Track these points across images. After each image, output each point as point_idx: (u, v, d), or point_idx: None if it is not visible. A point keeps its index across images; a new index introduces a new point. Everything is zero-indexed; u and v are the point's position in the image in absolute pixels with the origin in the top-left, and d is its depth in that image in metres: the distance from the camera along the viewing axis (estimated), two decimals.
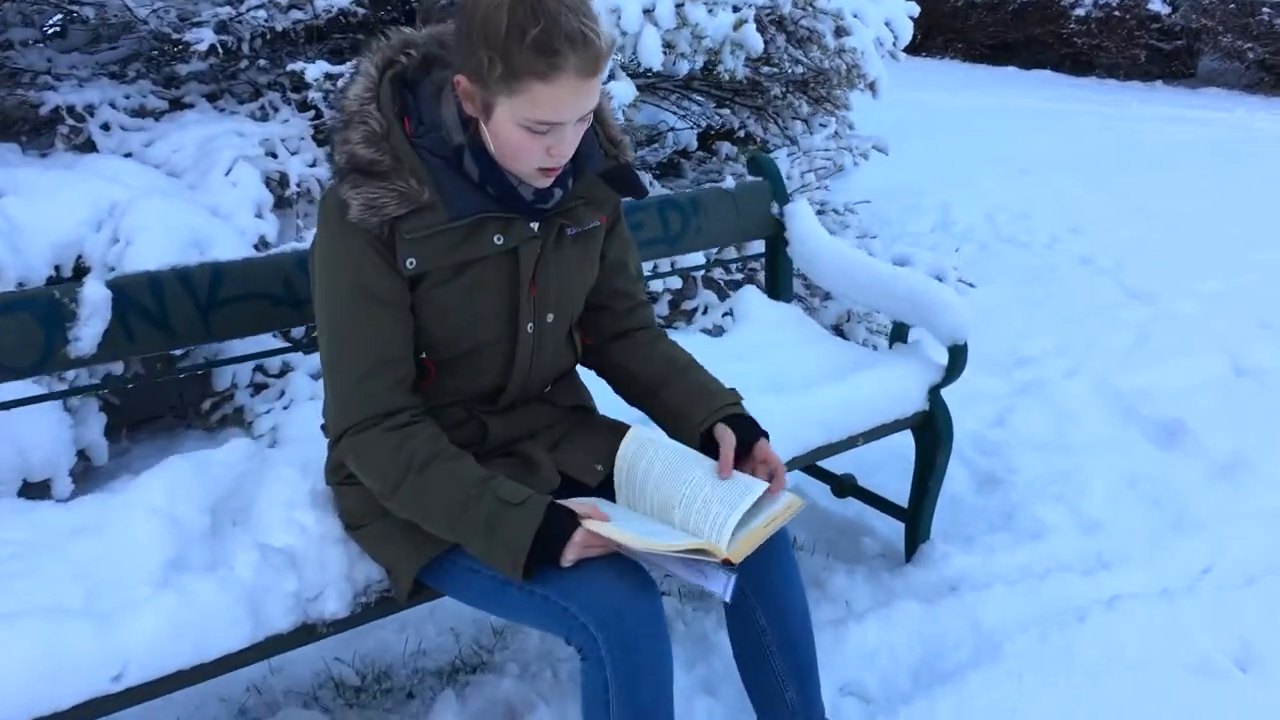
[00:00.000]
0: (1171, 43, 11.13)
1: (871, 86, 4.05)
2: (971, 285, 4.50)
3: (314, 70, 2.98)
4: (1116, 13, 11.02)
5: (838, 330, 4.02)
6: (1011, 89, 10.77)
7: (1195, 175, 7.06)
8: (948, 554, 2.69)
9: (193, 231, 2.81)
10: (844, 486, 2.88)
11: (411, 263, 1.61)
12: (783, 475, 1.75)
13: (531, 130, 1.53)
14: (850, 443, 2.45)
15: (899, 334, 2.69)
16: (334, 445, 1.72)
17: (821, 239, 2.75)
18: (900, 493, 2.78)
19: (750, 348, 2.63)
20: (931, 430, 2.60)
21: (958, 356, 2.53)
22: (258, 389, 3.16)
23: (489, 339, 1.73)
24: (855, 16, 4.06)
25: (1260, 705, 2.19)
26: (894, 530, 2.83)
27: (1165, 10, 10.78)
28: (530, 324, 1.74)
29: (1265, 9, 10.29)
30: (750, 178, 2.84)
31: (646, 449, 1.74)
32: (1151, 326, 4.35)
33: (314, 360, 3.08)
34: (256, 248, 2.99)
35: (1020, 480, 3.06)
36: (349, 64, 2.84)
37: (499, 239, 1.66)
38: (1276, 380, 3.84)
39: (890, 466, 2.99)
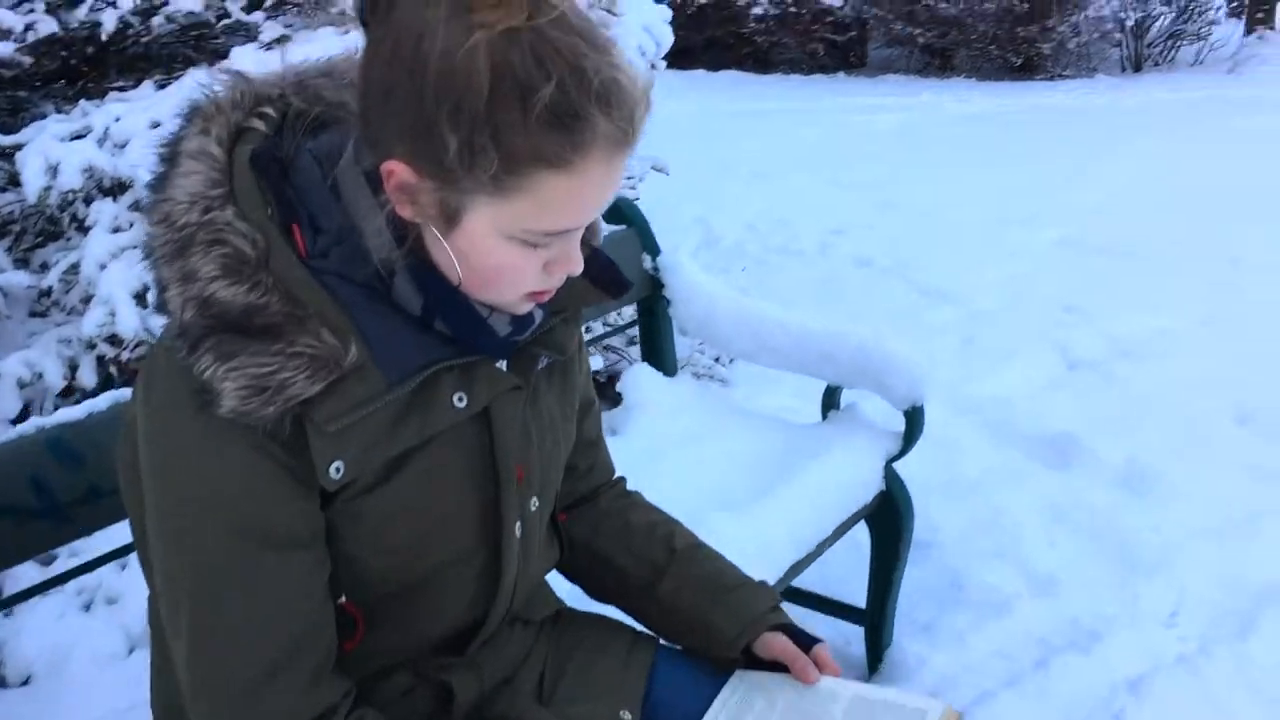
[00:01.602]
0: (845, 35, 11.46)
1: None
2: None
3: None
4: (792, 9, 11.20)
5: None
6: (706, 92, 10.68)
7: (912, 162, 7.12)
8: (916, 654, 2.23)
9: None
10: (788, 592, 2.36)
11: (339, 469, 0.94)
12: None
13: (528, 244, 0.92)
14: (818, 552, 1.94)
15: (831, 399, 2.20)
16: None
17: (715, 295, 2.22)
18: (843, 589, 2.30)
19: (662, 448, 2.05)
20: (891, 513, 2.12)
21: (915, 421, 2.07)
22: None
23: (454, 557, 1.07)
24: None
25: None
26: (842, 634, 2.34)
27: (837, 3, 11.06)
28: (518, 521, 1.10)
29: None
30: (611, 227, 2.27)
31: (756, 695, 1.17)
32: (967, 328, 4.16)
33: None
34: None
35: (946, 539, 2.65)
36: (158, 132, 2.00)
37: (460, 400, 1.02)
38: (1109, 369, 3.71)
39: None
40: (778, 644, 1.21)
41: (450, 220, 0.90)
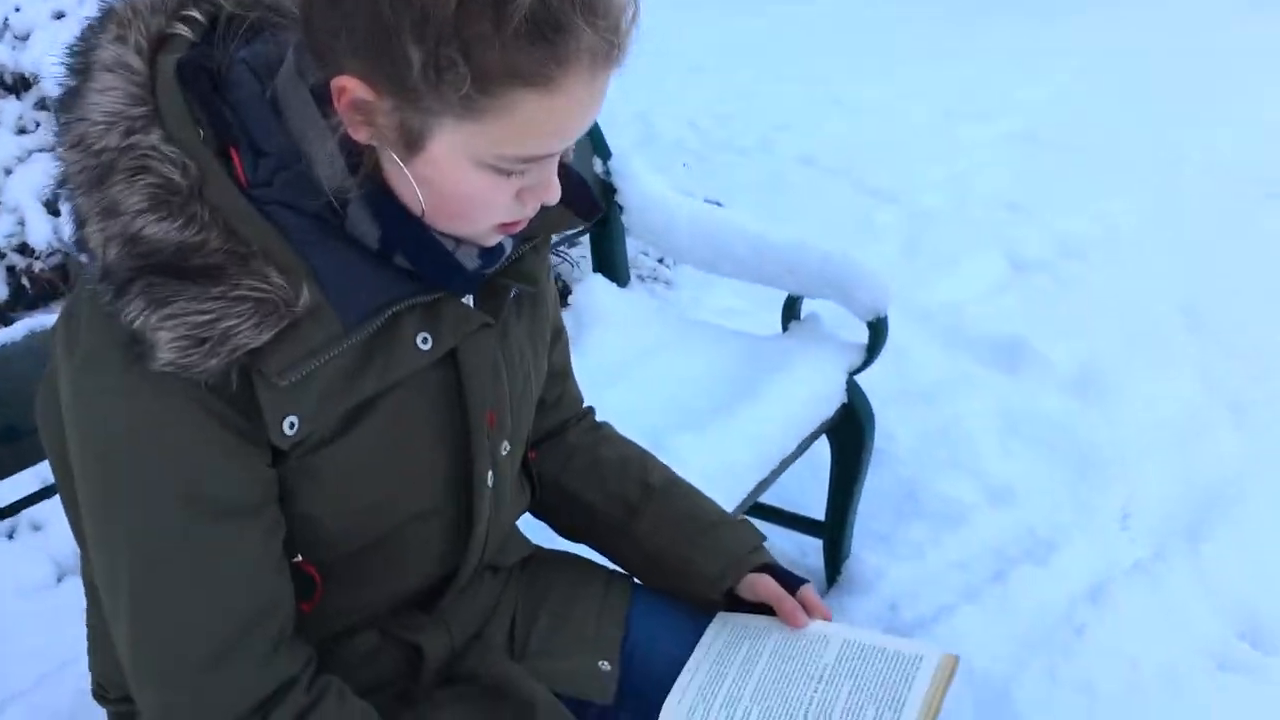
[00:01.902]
0: None
1: None
2: (719, 204, 4.02)
3: None
4: None
5: None
6: None
7: (861, 54, 6.96)
8: (874, 567, 2.21)
9: None
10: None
11: (293, 424, 0.84)
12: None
13: (501, 170, 0.81)
14: (781, 469, 1.89)
15: (791, 310, 2.12)
16: None
17: (671, 203, 2.11)
18: (801, 501, 2.26)
19: (620, 364, 1.97)
20: (852, 426, 2.07)
21: (879, 332, 2.01)
22: None
23: (421, 511, 0.98)
24: None
25: None
26: (799, 547, 2.31)
27: None
28: (490, 471, 1.01)
29: None
30: None
31: (742, 639, 1.12)
32: (912, 229, 4.08)
33: None
34: None
35: (901, 449, 2.61)
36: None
37: (424, 342, 0.92)
38: (1057, 270, 3.68)
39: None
40: (763, 585, 1.15)
41: (412, 144, 0.79)
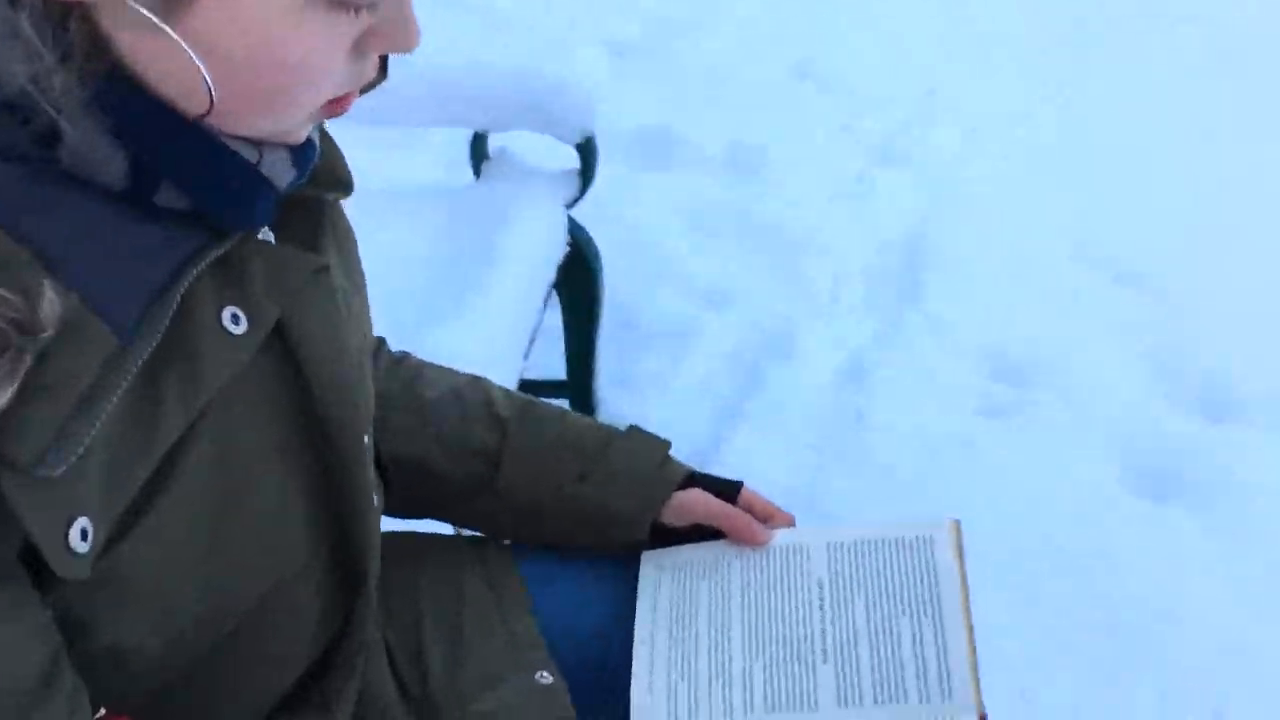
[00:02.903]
0: None
1: None
2: None
3: None
4: None
5: None
6: None
7: None
8: (627, 412, 2.00)
9: None
10: None
11: (84, 531, 0.49)
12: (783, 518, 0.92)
13: (339, 4, 0.49)
14: (534, 336, 1.61)
15: (480, 151, 1.79)
16: None
17: None
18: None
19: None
20: (581, 269, 1.80)
21: (590, 154, 1.74)
22: None
23: (287, 569, 0.64)
24: None
25: None
26: None
27: None
28: (367, 480, 0.67)
29: None
30: None
31: (693, 581, 0.88)
32: None
33: None
34: None
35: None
36: None
37: (234, 320, 0.56)
38: (660, 52, 3.52)
39: None
40: (698, 505, 0.89)
41: None
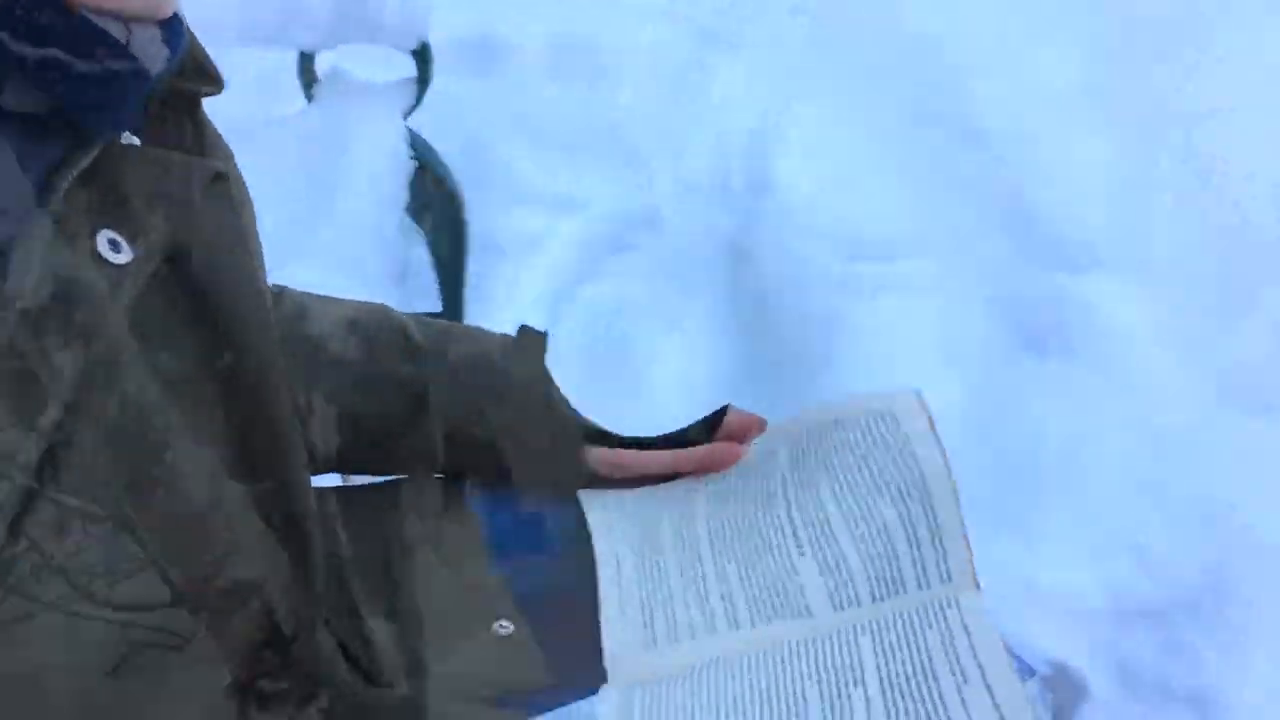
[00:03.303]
0: None
1: None
2: None
3: None
4: None
5: None
6: None
7: None
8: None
9: None
10: None
11: None
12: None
13: None
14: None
15: (309, 72, 1.65)
16: None
17: None
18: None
19: None
20: (441, 193, 1.70)
21: (426, 59, 1.61)
22: None
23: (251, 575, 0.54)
24: None
25: None
26: None
27: None
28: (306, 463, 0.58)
29: None
30: None
31: (654, 518, 0.80)
32: None
33: None
34: None
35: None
36: None
37: (113, 247, 0.45)
38: None
39: None
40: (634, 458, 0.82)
41: None
